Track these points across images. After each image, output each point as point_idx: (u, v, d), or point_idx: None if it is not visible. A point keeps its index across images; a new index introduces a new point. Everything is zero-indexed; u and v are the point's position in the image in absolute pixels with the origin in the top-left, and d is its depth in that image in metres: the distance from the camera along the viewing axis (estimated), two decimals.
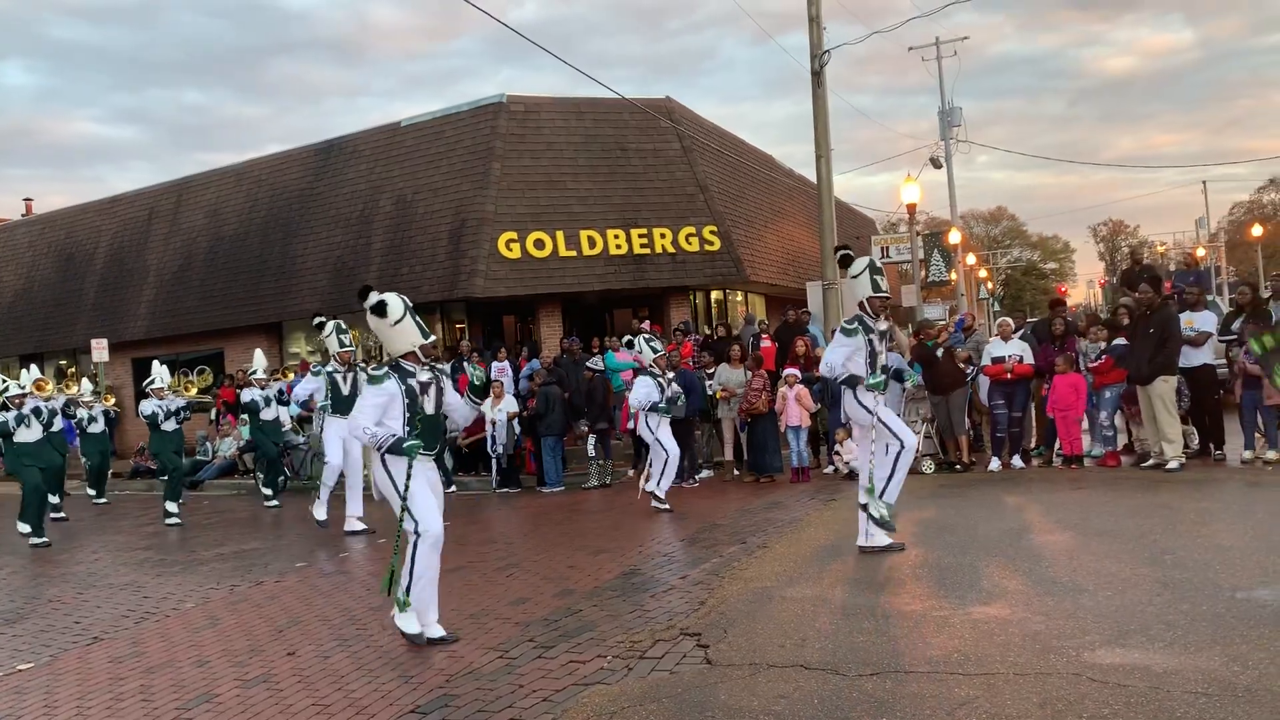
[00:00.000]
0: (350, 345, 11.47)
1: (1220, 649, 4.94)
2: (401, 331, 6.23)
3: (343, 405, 10.87)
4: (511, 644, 6.08)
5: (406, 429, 6.12)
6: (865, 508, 7.66)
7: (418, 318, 6.31)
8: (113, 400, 17.58)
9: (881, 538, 7.73)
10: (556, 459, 13.76)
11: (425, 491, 6.18)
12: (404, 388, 6.15)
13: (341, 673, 5.82)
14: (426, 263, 18.06)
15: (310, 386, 11.74)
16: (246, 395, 14.02)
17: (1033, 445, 12.38)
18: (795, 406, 12.39)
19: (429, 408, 6.26)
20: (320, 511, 11.11)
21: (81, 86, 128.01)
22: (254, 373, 14.03)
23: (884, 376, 7.83)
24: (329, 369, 11.43)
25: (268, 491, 14.03)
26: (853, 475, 12.00)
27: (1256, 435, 10.79)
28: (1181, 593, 5.95)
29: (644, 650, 5.72)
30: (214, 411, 19.00)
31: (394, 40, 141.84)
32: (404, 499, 6.09)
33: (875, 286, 7.74)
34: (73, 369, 24.53)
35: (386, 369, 6.22)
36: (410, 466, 6.08)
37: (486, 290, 17.21)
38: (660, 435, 11.04)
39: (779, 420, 12.67)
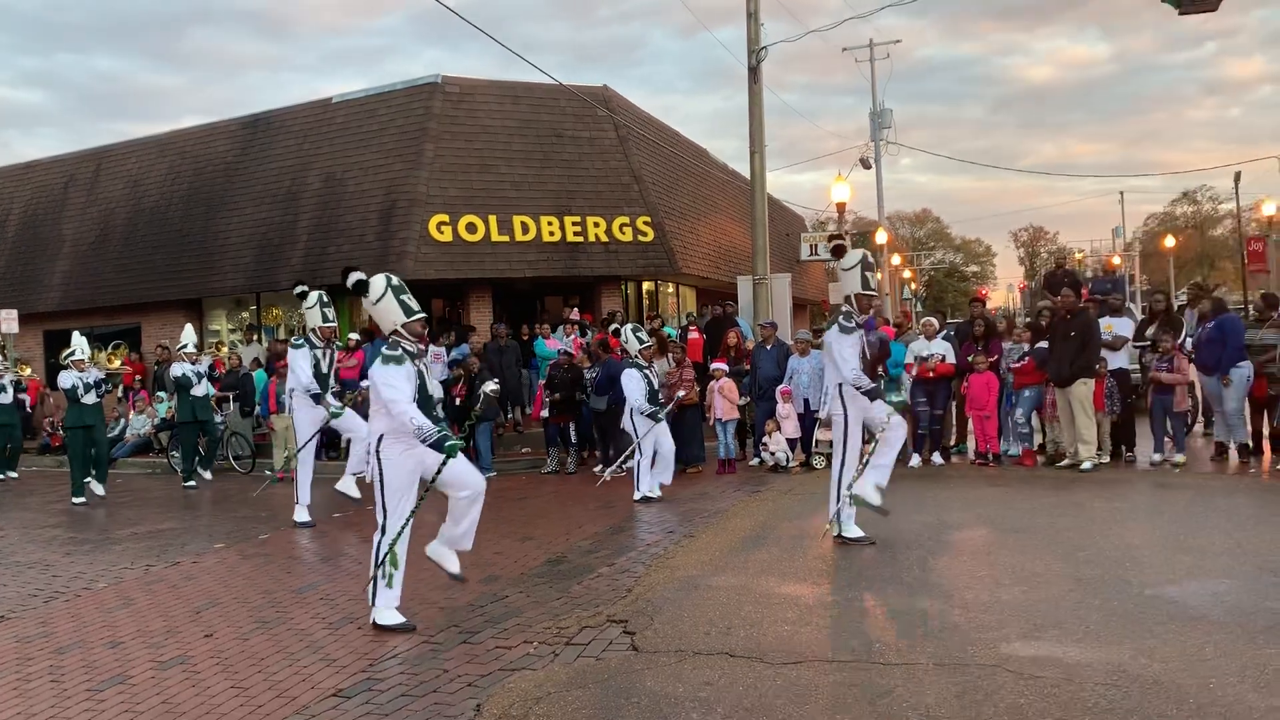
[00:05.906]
0: (333, 320, 10.33)
1: (1130, 643, 5.12)
2: (384, 310, 6.14)
3: (321, 383, 10.05)
4: (436, 629, 6.05)
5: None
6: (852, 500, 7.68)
7: (404, 296, 6.18)
8: (28, 370, 16.84)
9: (853, 530, 7.75)
10: (487, 444, 13.66)
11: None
12: (416, 368, 6.07)
13: (261, 655, 5.72)
14: (355, 242, 17.74)
15: (305, 363, 10.04)
16: (177, 370, 13.61)
17: (953, 443, 12.66)
18: (722, 399, 12.47)
19: (430, 388, 6.17)
20: (302, 513, 10.12)
21: None
22: (183, 347, 13.64)
23: (900, 397, 7.47)
24: (301, 341, 10.28)
25: (191, 482, 13.65)
26: (778, 468, 12.17)
27: (1165, 439, 11.17)
28: (1093, 589, 6.15)
29: (570, 637, 5.73)
30: (123, 388, 18.38)
31: (318, 14, 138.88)
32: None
33: (865, 283, 7.70)
34: None
35: (401, 350, 6.06)
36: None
37: (416, 272, 16.95)
38: (644, 436, 10.41)
39: (705, 412, 12.75)
